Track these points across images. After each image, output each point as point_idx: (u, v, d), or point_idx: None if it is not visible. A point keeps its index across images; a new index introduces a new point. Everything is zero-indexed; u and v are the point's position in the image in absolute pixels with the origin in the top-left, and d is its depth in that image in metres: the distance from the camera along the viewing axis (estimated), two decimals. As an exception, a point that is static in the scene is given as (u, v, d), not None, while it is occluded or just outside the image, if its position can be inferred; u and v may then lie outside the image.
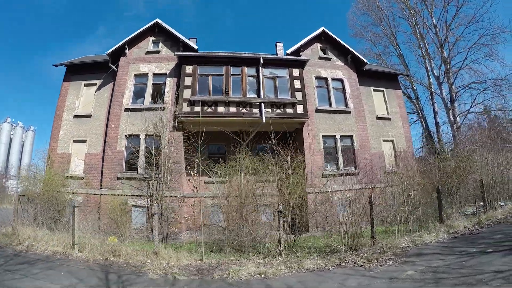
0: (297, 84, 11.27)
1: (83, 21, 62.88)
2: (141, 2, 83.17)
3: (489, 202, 9.87)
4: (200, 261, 6.55)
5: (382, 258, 5.84)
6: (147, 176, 9.92)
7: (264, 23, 72.33)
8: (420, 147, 17.49)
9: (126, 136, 10.58)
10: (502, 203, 10.89)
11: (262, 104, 10.68)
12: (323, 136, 11.34)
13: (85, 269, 5.88)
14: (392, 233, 7.65)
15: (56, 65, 11.47)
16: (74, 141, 10.96)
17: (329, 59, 12.69)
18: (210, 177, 9.59)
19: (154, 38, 11.73)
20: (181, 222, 10.07)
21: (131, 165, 10.33)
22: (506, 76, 16.50)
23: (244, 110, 10.66)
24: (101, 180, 10.42)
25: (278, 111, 10.86)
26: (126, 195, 10.05)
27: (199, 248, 7.44)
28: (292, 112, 10.93)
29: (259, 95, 10.85)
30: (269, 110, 10.78)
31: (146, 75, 11.22)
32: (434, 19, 18.01)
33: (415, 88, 19.42)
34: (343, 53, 12.89)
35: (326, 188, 10.43)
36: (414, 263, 5.34)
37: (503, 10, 19.49)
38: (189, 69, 10.92)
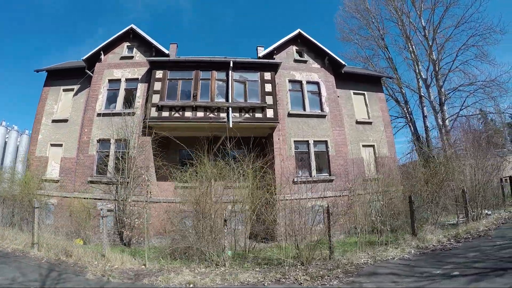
0: (268, 87, 11.09)
1: (81, 24, 64.76)
2: (140, 5, 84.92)
3: (473, 211, 9.27)
4: (143, 266, 6.62)
5: (329, 276, 5.47)
6: (115, 181, 10.11)
7: (264, 23, 71.81)
8: (408, 153, 16.72)
9: (97, 140, 10.84)
10: (489, 212, 10.20)
11: (230, 108, 10.59)
12: (295, 141, 11.08)
13: (33, 266, 6.11)
14: (359, 245, 7.12)
15: (37, 71, 11.95)
16: (52, 145, 11.35)
17: (305, 61, 12.40)
18: (180, 182, 9.63)
19: (129, 44, 11.95)
20: (148, 227, 10.16)
21: (101, 170, 10.56)
22: (496, 77, 15.52)
23: (211, 115, 10.61)
24: (75, 183, 10.73)
25: (247, 115, 10.72)
26: (96, 199, 10.30)
27: (157, 253, 7.60)
28: (261, 116, 10.76)
29: (227, 100, 10.77)
30: (237, 114, 10.67)
31: (119, 80, 11.45)
32: (423, 21, 17.23)
33: (403, 91, 18.62)
34: (320, 55, 12.56)
35: (297, 196, 10.22)
36: (361, 285, 4.87)
37: (493, 9, 18.30)
38: (159, 74, 11.03)
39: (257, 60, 11.58)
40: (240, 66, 11.25)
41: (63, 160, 11.15)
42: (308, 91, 11.94)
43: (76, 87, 11.78)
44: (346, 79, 13.16)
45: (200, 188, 8.96)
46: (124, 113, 10.48)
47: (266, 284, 5.41)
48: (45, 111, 11.69)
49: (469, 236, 7.16)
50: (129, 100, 11.14)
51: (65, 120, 11.47)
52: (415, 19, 17.43)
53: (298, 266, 6.27)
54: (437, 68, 16.81)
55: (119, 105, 11.12)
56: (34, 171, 10.85)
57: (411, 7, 17.39)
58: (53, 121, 11.54)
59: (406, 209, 9.15)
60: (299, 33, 12.53)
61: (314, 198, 10.82)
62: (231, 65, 10.98)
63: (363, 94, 13.34)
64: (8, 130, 15.82)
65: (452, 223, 9.21)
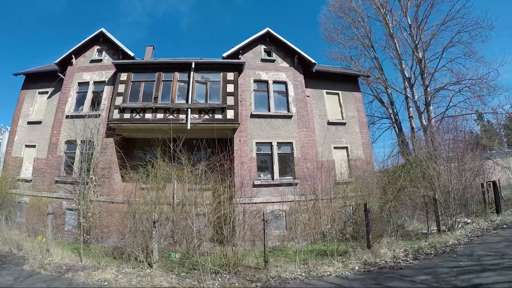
0: (230, 88, 10.90)
1: (80, 28, 66.52)
2: (139, 8, 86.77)
3: (449, 220, 8.50)
4: (80, 262, 6.91)
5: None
6: (78, 181, 10.36)
7: (264, 23, 71.07)
8: (391, 155, 15.76)
9: (65, 142, 11.17)
10: (469, 221, 9.36)
11: (189, 109, 10.52)
12: (257, 143, 10.79)
13: (-16, 256, 6.71)
14: (310, 256, 6.71)
15: (16, 74, 12.54)
16: (26, 146, 11.85)
17: (273, 61, 12.06)
18: (143, 183, 9.71)
19: (99, 47, 12.23)
20: (108, 227, 10.33)
21: (68, 170, 10.89)
22: (484, 75, 14.28)
23: (170, 117, 10.60)
24: (44, 183, 11.14)
25: (206, 116, 10.60)
26: (61, 198, 10.64)
27: (105, 251, 7.82)
28: (221, 117, 10.59)
29: (188, 101, 10.70)
30: (196, 116, 10.58)
31: (87, 83, 11.74)
32: (409, 19, 16.18)
33: (389, 92, 17.57)
34: (289, 54, 12.17)
35: (257, 199, 9.96)
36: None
37: (481, 4, 16.87)
38: (123, 76, 11.18)
39: (219, 60, 11.41)
40: (203, 67, 11.15)
41: (36, 160, 11.60)
42: (274, 91, 11.60)
43: (50, 90, 12.23)
44: (319, 78, 12.67)
45: (154, 189, 9.03)
46: (89, 115, 10.77)
47: (175, 290, 5.26)
48: (21, 113, 12.24)
49: (432, 252, 6.41)
50: (96, 103, 11.39)
51: (39, 122, 11.94)
52: (401, 17, 16.52)
53: (224, 275, 6.11)
54: (423, 66, 15.78)
55: (86, 108, 11.40)
56: (10, 171, 11.39)
57: (397, 4, 16.48)
58: (28, 122, 12.04)
59: (376, 217, 8.60)
60: (268, 32, 12.22)
61: (274, 202, 10.55)
62: (193, 66, 10.90)
63: (337, 94, 12.77)
64: (3, 131, 16.76)
65: (425, 232, 8.40)
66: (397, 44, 16.77)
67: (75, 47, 12.00)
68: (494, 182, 10.89)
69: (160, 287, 5.57)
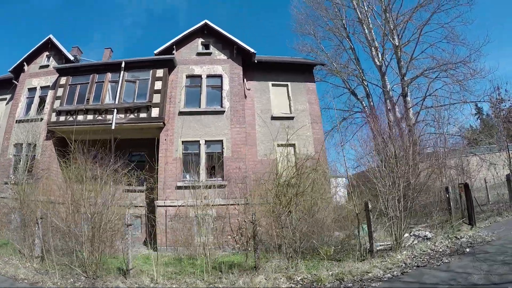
0: (158, 85, 10.50)
1: (77, 28, 68.49)
2: (136, 9, 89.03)
3: (396, 233, 6.81)
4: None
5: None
6: (20, 181, 10.79)
7: (263, 23, 68.73)
8: (366, 154, 13.84)
9: (14, 145, 11.72)
10: (430, 235, 7.56)
11: (115, 109, 10.31)
12: (184, 141, 10.21)
13: None
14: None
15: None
16: (-11, 149, 12.70)
17: (209, 54, 11.36)
18: (81, 184, 9.80)
19: (48, 53, 12.64)
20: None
21: (15, 171, 11.39)
22: (465, 57, 11.85)
23: (99, 117, 10.51)
24: (-3, 185, 11.83)
25: (131, 116, 10.32)
26: (7, 198, 11.18)
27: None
28: (145, 116, 10.22)
29: (116, 101, 10.50)
30: (122, 115, 10.36)
31: (35, 88, 12.19)
32: (384, 2, 14.10)
33: (365, 84, 15.49)
34: (228, 45, 11.37)
35: (180, 202, 9.42)
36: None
37: None
38: (63, 80, 11.39)
39: (148, 58, 11.04)
40: (134, 66, 10.90)
41: (-5, 163, 12.37)
42: (208, 85, 10.90)
43: (8, 96, 12.97)
44: (266, 70, 11.70)
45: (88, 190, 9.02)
46: (33, 119, 11.19)
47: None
48: (-14, 119, 13.16)
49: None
50: (41, 107, 11.76)
51: (-1, 127, 12.71)
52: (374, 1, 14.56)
53: (82, 279, 5.87)
54: (399, 54, 13.72)
55: (33, 112, 11.84)
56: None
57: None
58: (-12, 127, 12.91)
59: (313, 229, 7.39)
60: (206, 24, 11.54)
61: (199, 206, 9.86)
62: (123, 65, 10.69)
63: (286, 86, 11.65)
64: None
65: (380, 249, 6.59)
66: (366, 30, 14.86)
67: (26, 54, 12.56)
68: (466, 185, 8.37)
69: (15, 278, 5.75)
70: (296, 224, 5.94)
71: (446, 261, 5.24)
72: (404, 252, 6.01)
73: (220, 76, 10.99)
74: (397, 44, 13.70)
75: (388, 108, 13.35)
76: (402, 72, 13.62)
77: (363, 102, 14.95)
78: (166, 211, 9.68)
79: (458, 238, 6.61)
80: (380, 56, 14.41)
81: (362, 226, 6.85)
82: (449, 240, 6.63)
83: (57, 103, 11.12)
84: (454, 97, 12.88)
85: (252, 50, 11.06)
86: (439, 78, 12.73)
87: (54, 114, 11.04)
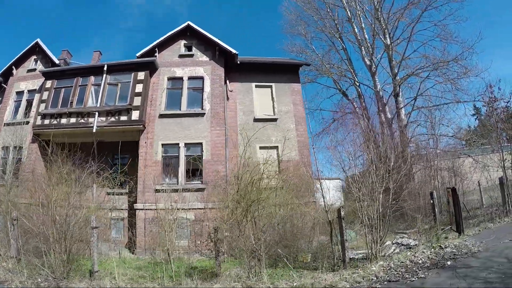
0: (139, 88, 10.50)
1: (77, 33, 67.84)
2: (136, 13, 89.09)
3: (370, 243, 6.08)
4: None
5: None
6: (4, 184, 10.96)
7: (263, 23, 67.97)
8: (358, 156, 13.50)
9: (1, 147, 11.90)
10: (413, 243, 7.14)
11: (97, 113, 10.35)
12: (164, 144, 10.20)
13: None
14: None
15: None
16: (-18, 152, 12.94)
17: (191, 55, 11.31)
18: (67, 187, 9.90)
19: (35, 57, 12.79)
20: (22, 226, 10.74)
21: (2, 174, 11.58)
22: (457, 55, 11.42)
23: (81, 120, 10.57)
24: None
25: (112, 119, 10.34)
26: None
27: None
28: (126, 119, 10.22)
29: (98, 104, 10.54)
30: (103, 118, 10.39)
31: (23, 92, 12.35)
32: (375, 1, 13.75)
33: (357, 83, 15.13)
34: (210, 47, 11.27)
35: (160, 205, 9.39)
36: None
37: None
38: (48, 83, 11.50)
39: (130, 60, 11.05)
40: (116, 69, 10.94)
41: (-14, 165, 12.60)
42: (189, 87, 10.85)
43: (-1, 100, 13.19)
44: (249, 71, 11.59)
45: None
46: (19, 122, 11.36)
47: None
48: (-19, 121, 13.41)
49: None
50: (28, 110, 11.91)
51: (-10, 130, 12.94)
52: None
53: (50, 279, 5.95)
54: (390, 53, 13.36)
55: (20, 115, 12.00)
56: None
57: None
58: (-17, 130, 13.15)
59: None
60: (188, 26, 11.47)
61: (179, 209, 9.80)
62: (105, 68, 10.72)
63: (270, 87, 11.50)
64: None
65: (359, 257, 6.37)
66: (356, 29, 14.53)
67: (15, 58, 12.73)
68: (453, 189, 7.84)
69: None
70: (258, 231, 5.78)
71: (422, 275, 4.77)
72: (381, 263, 5.65)
73: (201, 78, 10.91)
74: (388, 43, 13.36)
75: (381, 109, 13.04)
76: (393, 72, 13.30)
77: (354, 103, 14.69)
78: (145, 214, 9.68)
79: (442, 248, 6.19)
80: (369, 55, 14.09)
81: (337, 233, 6.62)
82: (433, 249, 6.22)
83: (42, 107, 11.24)
84: (447, 96, 12.51)
85: (234, 51, 10.94)
86: (430, 77, 12.39)
87: (39, 117, 11.15)
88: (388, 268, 5.35)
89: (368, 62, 14.16)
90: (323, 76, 15.69)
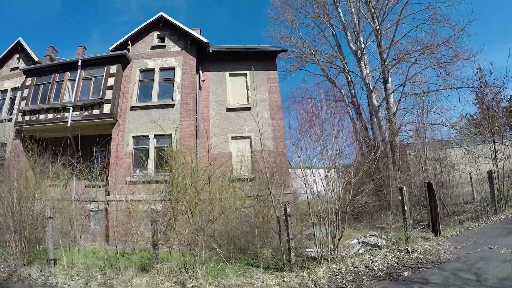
0: (111, 81, 10.53)
1: (75, 28, 66.85)
2: (135, 6, 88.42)
3: (318, 243, 5.48)
4: None
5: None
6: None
7: (258, 21, 66.18)
8: (348, 145, 12.93)
9: (-12, 145, 12.33)
10: (381, 243, 6.55)
11: (71, 107, 10.48)
12: (134, 136, 10.22)
13: None
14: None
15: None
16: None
17: (164, 46, 11.21)
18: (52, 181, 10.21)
19: (18, 55, 13.09)
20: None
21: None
22: (449, 38, 10.58)
23: (58, 116, 10.73)
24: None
25: (86, 113, 10.45)
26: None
27: None
28: (98, 113, 10.29)
29: (73, 99, 10.66)
30: (78, 113, 10.52)
31: (7, 90, 12.69)
32: None
33: (347, 71, 14.44)
34: (183, 37, 11.12)
35: (133, 197, 9.45)
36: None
37: None
38: (29, 81, 11.75)
39: (103, 54, 11.08)
40: (90, 64, 11.01)
41: (-22, 163, 13.12)
42: (160, 79, 10.78)
43: (-13, 99, 13.64)
44: (223, 60, 11.37)
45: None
46: (3, 119, 11.72)
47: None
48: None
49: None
50: (12, 108, 12.24)
51: (-19, 128, 13.44)
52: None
53: (12, 266, 6.27)
54: (379, 37, 12.65)
55: (4, 113, 12.36)
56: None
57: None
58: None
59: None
60: (161, 16, 11.35)
61: (148, 201, 9.81)
62: (79, 63, 10.80)
63: (245, 75, 11.22)
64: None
65: (313, 256, 5.75)
66: (340, 13, 13.87)
67: (-1, 57, 13.09)
68: (429, 185, 7.01)
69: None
70: (197, 223, 5.58)
71: None
72: (332, 266, 5.12)
73: (173, 69, 10.81)
74: (377, 27, 12.66)
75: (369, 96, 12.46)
76: (382, 57, 12.61)
77: (342, 91, 14.08)
78: (116, 206, 9.76)
79: (409, 252, 5.47)
80: (355, 39, 13.45)
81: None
82: (398, 253, 5.52)
83: (23, 104, 11.51)
84: (438, 82, 11.74)
85: (205, 40, 10.74)
86: (419, 62, 11.61)
87: (20, 114, 11.43)
88: (336, 274, 4.84)
89: (354, 47, 13.54)
90: (311, 63, 15.19)
